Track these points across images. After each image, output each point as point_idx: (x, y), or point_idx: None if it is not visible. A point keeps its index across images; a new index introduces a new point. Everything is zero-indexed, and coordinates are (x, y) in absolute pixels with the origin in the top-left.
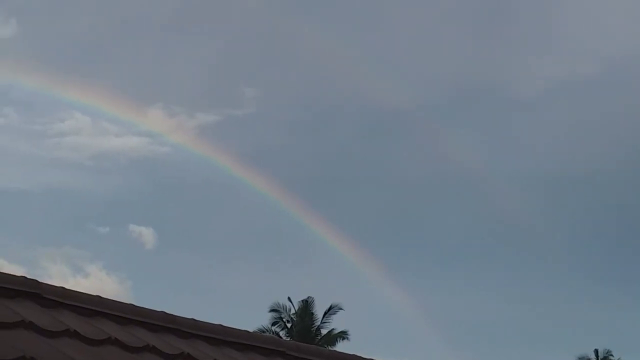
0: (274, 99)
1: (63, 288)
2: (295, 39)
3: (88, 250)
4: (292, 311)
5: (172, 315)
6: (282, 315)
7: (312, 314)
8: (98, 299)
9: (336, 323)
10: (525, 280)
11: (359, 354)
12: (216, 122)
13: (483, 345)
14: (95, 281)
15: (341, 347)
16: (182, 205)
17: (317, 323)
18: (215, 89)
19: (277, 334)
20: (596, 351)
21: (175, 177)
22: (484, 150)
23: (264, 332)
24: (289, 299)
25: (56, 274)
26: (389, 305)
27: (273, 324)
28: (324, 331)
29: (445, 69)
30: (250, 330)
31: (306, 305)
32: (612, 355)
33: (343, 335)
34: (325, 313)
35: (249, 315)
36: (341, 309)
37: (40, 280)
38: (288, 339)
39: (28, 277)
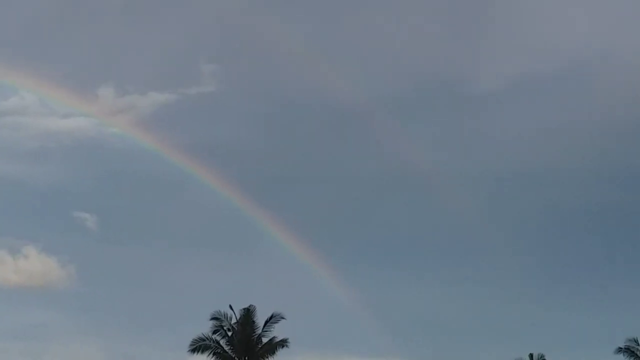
0: (232, 83)
1: None
2: (258, 30)
3: (28, 233)
4: (234, 320)
5: None
6: (223, 324)
7: (254, 322)
8: None
9: (278, 330)
10: (469, 278)
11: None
12: (171, 101)
13: (428, 341)
14: (36, 263)
15: (282, 354)
16: (127, 194)
17: (259, 331)
18: (172, 67)
19: (218, 342)
20: (531, 355)
21: (122, 163)
22: (438, 148)
23: (204, 340)
24: (231, 307)
25: None
26: (336, 301)
27: (214, 332)
28: (264, 340)
29: (406, 65)
30: (190, 339)
31: (248, 314)
32: (544, 358)
33: (283, 343)
34: (267, 322)
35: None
36: (283, 317)
37: None
38: (229, 347)
39: None
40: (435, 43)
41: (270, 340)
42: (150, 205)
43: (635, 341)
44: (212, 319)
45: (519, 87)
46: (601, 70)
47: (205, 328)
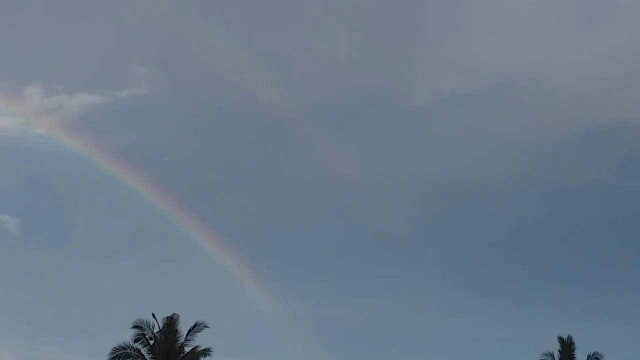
0: (165, 86)
1: None
2: (192, 34)
3: None
4: (156, 328)
5: None
6: (145, 332)
7: (177, 331)
8: None
9: (201, 339)
10: (394, 289)
11: None
12: (101, 103)
13: (350, 351)
14: None
15: None
16: (51, 197)
17: (181, 340)
18: (103, 68)
19: (139, 351)
20: None
21: (47, 165)
22: (369, 159)
23: (125, 348)
24: (154, 315)
25: None
26: (261, 310)
27: (135, 341)
28: (187, 349)
29: (341, 77)
30: (111, 347)
31: (171, 322)
32: None
33: (206, 352)
34: (190, 331)
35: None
36: (206, 326)
37: None
38: (150, 356)
39: None
40: (371, 57)
41: (193, 349)
42: (74, 210)
43: (551, 355)
44: (134, 327)
45: (451, 102)
46: (529, 88)
47: (127, 336)
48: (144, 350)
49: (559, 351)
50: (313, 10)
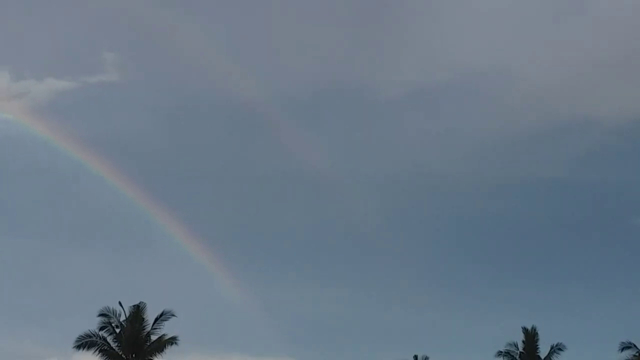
0: (136, 74)
1: None
2: (165, 22)
3: None
4: (123, 317)
5: None
6: (112, 320)
7: (143, 319)
8: None
9: (168, 328)
10: (359, 280)
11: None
12: (69, 88)
13: (316, 341)
14: None
15: (171, 352)
16: (15, 184)
17: (148, 329)
18: (73, 53)
19: (105, 339)
20: (415, 357)
21: (12, 151)
22: (339, 151)
23: (90, 337)
24: (120, 303)
25: None
26: (228, 300)
27: (101, 329)
28: (154, 337)
29: (312, 70)
30: (77, 335)
31: (137, 311)
32: None
33: (173, 341)
34: (157, 319)
35: (81, 309)
36: (173, 315)
37: None
38: (116, 344)
39: None
40: (342, 49)
41: (160, 337)
42: (40, 197)
43: (515, 345)
44: (100, 315)
45: (419, 95)
46: (498, 82)
47: (93, 324)
48: (109, 339)
49: (523, 341)
50: (285, 2)
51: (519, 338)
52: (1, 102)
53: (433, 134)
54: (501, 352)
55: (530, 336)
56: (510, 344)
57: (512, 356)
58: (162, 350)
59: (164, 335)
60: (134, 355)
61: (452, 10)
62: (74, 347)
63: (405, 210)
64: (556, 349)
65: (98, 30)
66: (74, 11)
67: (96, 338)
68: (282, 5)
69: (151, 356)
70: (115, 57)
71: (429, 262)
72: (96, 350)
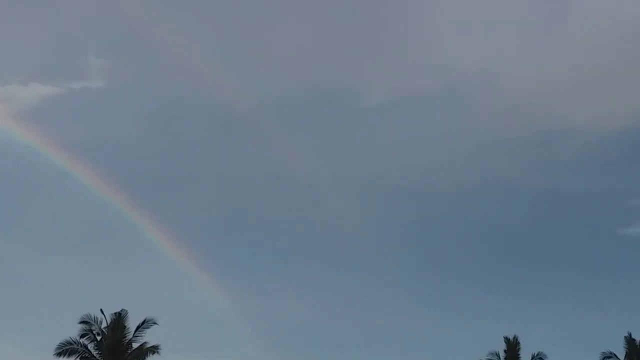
0: (121, 79)
1: None
2: (150, 28)
3: None
4: (104, 324)
5: None
6: (93, 328)
7: (125, 327)
8: None
9: (150, 336)
10: (341, 286)
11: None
12: (54, 94)
13: (297, 347)
14: None
15: None
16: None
17: (129, 336)
18: (58, 58)
19: (86, 346)
20: None
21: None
22: (323, 156)
23: (71, 344)
24: (102, 310)
25: None
26: (210, 307)
27: (82, 336)
28: (135, 345)
29: (297, 75)
30: (57, 342)
31: (119, 318)
32: None
33: (155, 349)
34: (139, 327)
35: (61, 315)
36: (155, 323)
37: None
38: (97, 352)
39: None
40: (328, 55)
41: (141, 345)
42: (22, 201)
43: (497, 355)
44: (81, 322)
45: (405, 102)
46: (483, 89)
47: (73, 332)
48: (90, 346)
49: (505, 351)
50: (270, 6)
51: (501, 347)
52: None
53: (418, 139)
54: None
55: (512, 345)
56: (492, 353)
57: None
58: (144, 358)
59: (145, 343)
60: None
61: (438, 18)
62: (55, 354)
63: (389, 216)
64: (537, 358)
65: (83, 36)
66: (59, 17)
67: (77, 345)
68: (268, 10)
69: None
70: (100, 62)
71: (412, 269)
72: (77, 357)
